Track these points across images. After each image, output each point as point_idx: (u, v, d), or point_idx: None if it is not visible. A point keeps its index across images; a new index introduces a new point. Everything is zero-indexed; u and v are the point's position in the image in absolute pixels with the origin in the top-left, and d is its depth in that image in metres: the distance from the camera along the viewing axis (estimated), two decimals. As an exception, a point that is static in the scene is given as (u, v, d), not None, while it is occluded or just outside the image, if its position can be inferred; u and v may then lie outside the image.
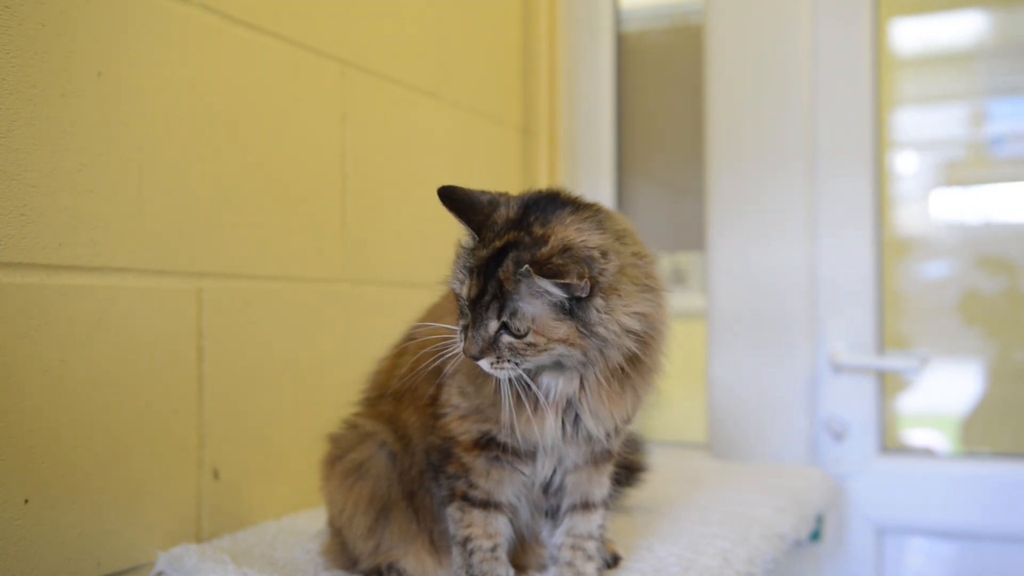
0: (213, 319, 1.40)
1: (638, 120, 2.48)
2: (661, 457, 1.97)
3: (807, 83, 2.17)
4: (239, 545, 1.34)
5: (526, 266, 0.99)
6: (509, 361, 1.02)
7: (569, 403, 1.08)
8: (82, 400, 1.19)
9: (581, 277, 0.99)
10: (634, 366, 1.07)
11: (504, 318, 1.02)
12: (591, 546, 1.17)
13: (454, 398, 1.14)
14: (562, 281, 0.98)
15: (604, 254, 1.02)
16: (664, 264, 3.11)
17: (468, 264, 1.05)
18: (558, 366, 1.05)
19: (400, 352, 1.27)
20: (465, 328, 1.05)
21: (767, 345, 2.17)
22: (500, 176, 2.25)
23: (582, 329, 1.01)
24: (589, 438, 1.11)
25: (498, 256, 1.03)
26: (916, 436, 2.23)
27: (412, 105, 1.87)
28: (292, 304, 1.57)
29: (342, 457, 1.24)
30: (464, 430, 1.12)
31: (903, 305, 2.22)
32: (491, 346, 1.03)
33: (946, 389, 2.19)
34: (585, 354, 1.03)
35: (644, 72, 2.49)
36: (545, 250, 1.01)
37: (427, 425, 1.17)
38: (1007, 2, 2.22)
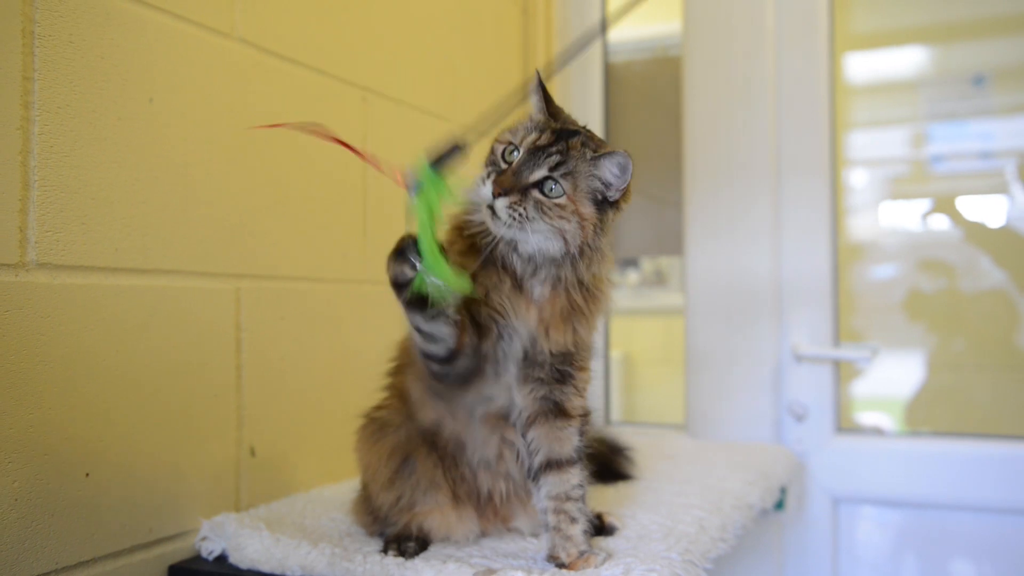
0: (250, 315, 1.40)
1: (624, 140, 2.48)
2: (644, 437, 1.98)
3: (772, 108, 2.18)
4: (273, 514, 1.35)
5: (599, 150, 1.00)
6: (523, 213, 0.96)
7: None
8: (135, 386, 1.19)
9: (626, 183, 1.00)
10: (577, 314, 1.05)
11: (556, 173, 0.98)
12: (572, 508, 1.07)
13: None
14: (619, 176, 0.99)
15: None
16: (647, 267, 3.11)
17: (541, 126, 1.03)
18: (536, 259, 1.00)
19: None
20: (499, 172, 0.99)
21: (738, 338, 2.18)
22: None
23: (597, 222, 1.01)
24: (534, 361, 1.05)
25: (568, 134, 1.02)
26: (867, 418, 2.23)
27: (425, 127, 1.88)
28: (319, 302, 1.57)
29: (372, 420, 1.22)
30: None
31: (856, 303, 2.23)
32: (522, 191, 0.97)
33: (893, 376, 2.20)
34: (581, 245, 0.99)
35: (629, 98, 2.50)
36: (607, 148, 1.02)
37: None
38: (945, 38, 2.23)
